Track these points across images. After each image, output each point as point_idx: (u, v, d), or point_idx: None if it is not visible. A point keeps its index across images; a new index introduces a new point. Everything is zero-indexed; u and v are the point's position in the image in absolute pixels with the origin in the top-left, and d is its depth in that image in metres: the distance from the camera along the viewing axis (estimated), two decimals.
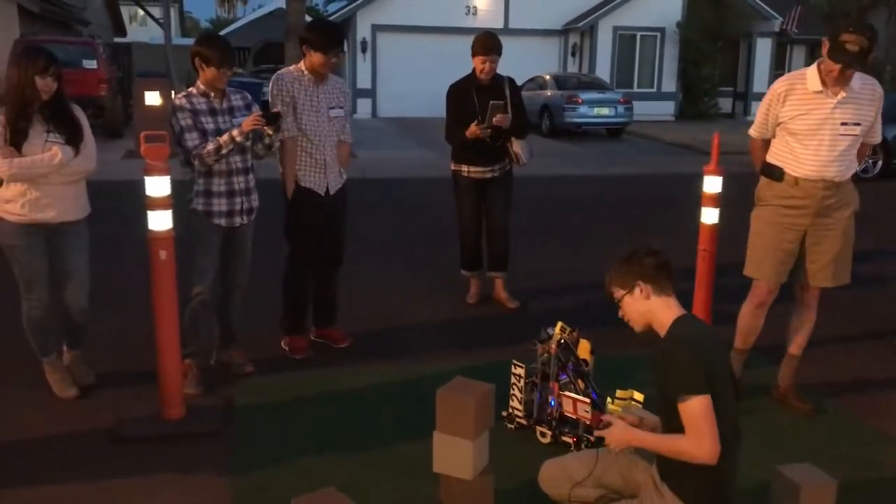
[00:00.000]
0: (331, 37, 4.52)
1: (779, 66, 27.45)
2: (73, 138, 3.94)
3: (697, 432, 2.40)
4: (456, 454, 2.98)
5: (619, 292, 2.68)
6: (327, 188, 4.68)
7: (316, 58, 4.50)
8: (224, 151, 4.07)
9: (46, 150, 3.86)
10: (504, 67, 5.49)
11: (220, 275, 4.38)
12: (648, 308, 2.63)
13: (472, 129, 5.31)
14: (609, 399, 3.42)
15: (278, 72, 4.66)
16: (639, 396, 3.43)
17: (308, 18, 17.23)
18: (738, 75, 26.30)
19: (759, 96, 23.63)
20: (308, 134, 4.57)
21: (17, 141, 3.81)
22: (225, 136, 4.06)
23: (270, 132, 4.21)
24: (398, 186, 12.07)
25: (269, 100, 4.52)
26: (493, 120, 5.26)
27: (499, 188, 5.66)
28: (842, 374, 4.69)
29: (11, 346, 4.73)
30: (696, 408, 2.40)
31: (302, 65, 4.59)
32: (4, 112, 3.83)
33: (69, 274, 4.09)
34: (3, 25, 19.23)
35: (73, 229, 4.06)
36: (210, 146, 4.06)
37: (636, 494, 2.71)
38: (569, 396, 3.46)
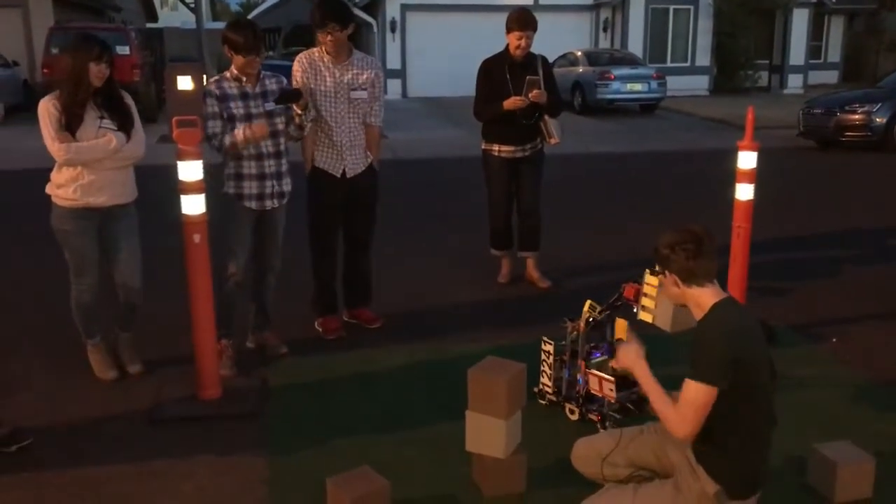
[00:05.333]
0: (322, 12, 4.37)
1: (816, 38, 26.85)
2: (124, 125, 4.02)
3: (685, 413, 2.44)
4: (488, 433, 2.98)
5: (658, 268, 2.67)
6: (344, 171, 4.66)
7: (320, 36, 4.46)
8: (240, 149, 4.10)
9: (100, 135, 3.93)
10: (535, 44, 5.44)
11: (253, 257, 4.41)
12: (681, 293, 2.61)
13: (513, 100, 5.27)
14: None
15: (300, 54, 4.65)
16: None
17: None
18: (774, 48, 25.74)
19: (796, 69, 22.91)
20: (324, 116, 4.55)
21: (72, 126, 3.87)
22: (236, 137, 4.07)
23: (300, 111, 4.22)
24: (429, 167, 12.06)
25: (293, 81, 4.52)
26: (530, 95, 5.23)
27: (530, 167, 5.62)
28: (880, 350, 4.61)
29: (53, 329, 4.83)
30: (695, 392, 2.42)
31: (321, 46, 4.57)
32: (59, 97, 3.88)
33: (121, 256, 4.15)
34: (38, 13, 19.53)
35: (123, 212, 4.13)
36: (227, 140, 4.10)
37: (670, 474, 2.69)
38: (595, 374, 3.46)
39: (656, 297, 3.21)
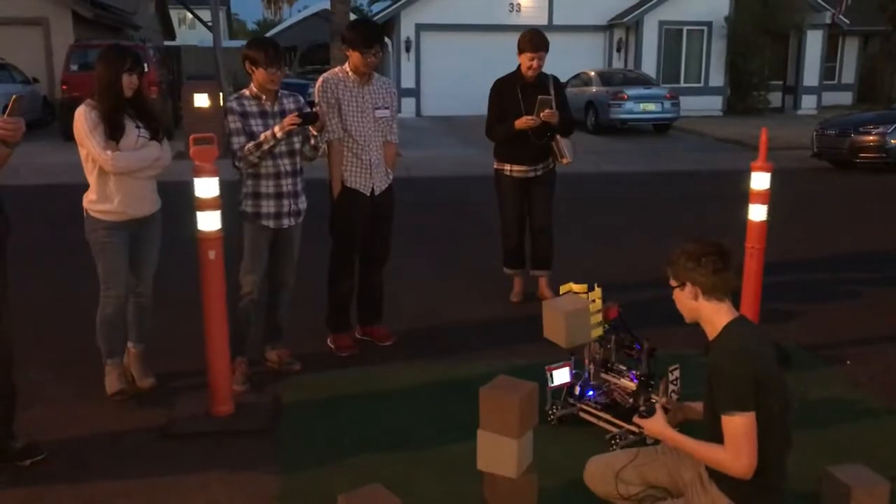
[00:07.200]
0: (366, 34, 4.52)
1: (830, 59, 26.82)
2: (156, 134, 4.08)
3: (736, 448, 2.40)
4: (500, 452, 2.98)
5: (672, 282, 2.63)
6: (373, 189, 4.71)
7: (355, 57, 4.53)
8: (265, 147, 4.12)
9: (140, 145, 3.98)
10: (548, 64, 5.47)
11: (268, 274, 4.44)
12: (697, 307, 2.59)
13: (525, 119, 5.30)
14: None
15: (323, 74, 4.71)
16: (578, 288, 3.80)
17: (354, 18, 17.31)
18: (788, 68, 25.73)
19: (810, 90, 22.85)
20: (353, 135, 4.61)
21: (116, 136, 3.91)
22: (267, 132, 4.12)
23: (315, 132, 4.26)
24: (442, 185, 12.09)
25: (315, 101, 4.58)
26: (542, 115, 5.25)
27: (542, 187, 5.64)
28: (895, 372, 4.59)
29: (67, 344, 4.86)
30: (739, 425, 2.38)
31: (346, 66, 4.64)
32: (98, 109, 3.90)
33: (146, 261, 4.20)
34: (59, 31, 19.81)
35: (154, 218, 4.19)
36: (251, 143, 4.12)
37: (682, 494, 2.68)
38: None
39: (545, 314, 3.55)
